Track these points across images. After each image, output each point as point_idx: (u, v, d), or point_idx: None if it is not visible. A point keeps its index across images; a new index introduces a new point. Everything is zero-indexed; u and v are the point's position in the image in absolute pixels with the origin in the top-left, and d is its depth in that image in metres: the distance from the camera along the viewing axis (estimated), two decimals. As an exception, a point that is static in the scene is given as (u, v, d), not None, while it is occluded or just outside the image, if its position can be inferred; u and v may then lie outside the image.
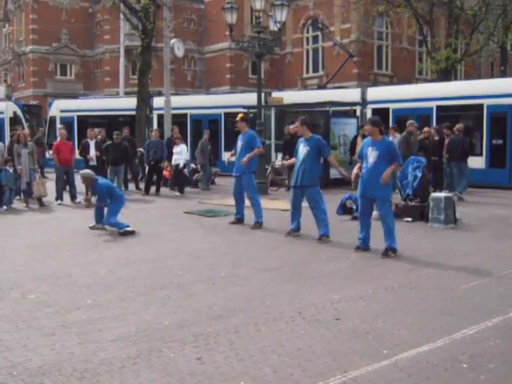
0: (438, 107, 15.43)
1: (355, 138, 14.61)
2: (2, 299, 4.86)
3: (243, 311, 4.48)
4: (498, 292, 5.08)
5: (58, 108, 22.55)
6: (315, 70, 32.94)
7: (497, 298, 4.89)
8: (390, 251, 6.50)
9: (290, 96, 18.65)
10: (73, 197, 11.76)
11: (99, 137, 13.61)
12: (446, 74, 21.75)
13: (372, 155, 6.55)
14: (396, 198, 9.28)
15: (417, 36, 29.91)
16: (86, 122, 19.45)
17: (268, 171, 14.52)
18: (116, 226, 8.02)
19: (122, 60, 25.70)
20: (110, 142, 12.98)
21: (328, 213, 7.72)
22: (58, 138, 14.04)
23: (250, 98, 16.38)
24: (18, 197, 11.56)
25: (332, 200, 9.73)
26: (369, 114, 16.33)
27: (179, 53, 20.34)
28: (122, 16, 21.93)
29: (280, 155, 15.19)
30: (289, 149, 14.56)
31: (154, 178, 13.71)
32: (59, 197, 11.65)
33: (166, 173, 14.50)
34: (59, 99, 25.11)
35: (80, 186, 12.53)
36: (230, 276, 5.64)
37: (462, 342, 3.82)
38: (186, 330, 4.04)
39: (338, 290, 5.08)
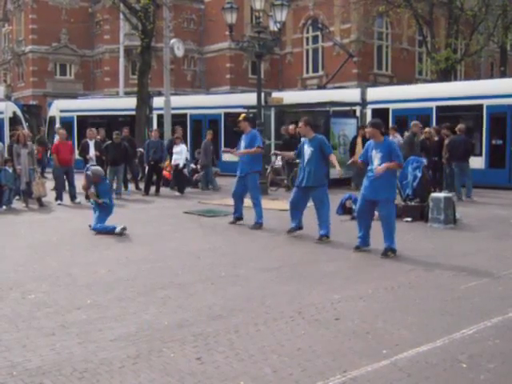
0: (438, 107, 15.43)
1: (355, 138, 14.62)
2: (2, 299, 4.86)
3: (243, 311, 4.48)
4: (498, 292, 5.09)
5: (57, 108, 22.53)
6: (315, 70, 32.95)
7: (496, 298, 4.90)
8: (389, 252, 6.50)
9: (289, 96, 18.64)
10: (72, 197, 11.75)
11: (99, 137, 13.61)
12: (445, 75, 21.76)
13: (377, 157, 6.56)
14: (396, 199, 9.28)
15: (417, 36, 29.92)
16: (86, 122, 19.44)
17: (268, 171, 14.52)
18: (104, 229, 8.01)
19: (121, 60, 25.70)
20: (109, 142, 12.98)
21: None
22: (56, 138, 14.06)
23: (250, 98, 16.38)
24: (17, 197, 11.56)
25: (332, 200, 9.64)
26: (368, 114, 16.37)
27: (179, 53, 20.33)
28: (121, 16, 21.92)
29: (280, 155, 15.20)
30: (288, 149, 14.59)
31: (154, 178, 13.71)
32: (59, 197, 11.65)
33: (165, 173, 14.50)
34: (59, 99, 25.10)
35: (80, 186, 12.56)
36: (229, 276, 5.64)
37: (462, 342, 3.82)
38: (185, 329, 4.04)
39: (338, 290, 5.09)
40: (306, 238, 7.61)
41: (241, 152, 8.65)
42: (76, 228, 8.60)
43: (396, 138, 12.64)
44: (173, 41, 19.82)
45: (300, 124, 7.76)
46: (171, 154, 14.03)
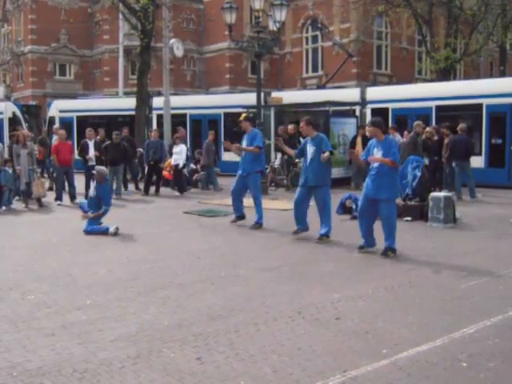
0: (438, 107, 15.43)
1: (355, 137, 14.62)
2: (2, 299, 4.86)
3: (243, 311, 4.48)
4: (498, 291, 5.09)
5: (57, 108, 22.52)
6: (315, 69, 32.94)
7: (496, 297, 4.90)
8: (389, 251, 6.50)
9: (289, 96, 18.64)
10: (72, 197, 11.75)
11: (98, 137, 13.61)
12: (445, 74, 21.75)
13: (378, 155, 6.55)
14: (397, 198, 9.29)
15: (416, 36, 29.91)
16: (86, 122, 19.40)
17: (267, 171, 14.52)
18: (97, 230, 8.00)
19: (121, 60, 25.68)
20: (108, 142, 12.99)
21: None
22: (54, 138, 14.06)
23: (250, 98, 16.37)
24: (17, 197, 11.56)
25: (332, 199, 9.71)
26: (368, 114, 16.36)
27: (178, 53, 20.33)
28: (121, 16, 21.91)
29: (279, 155, 15.21)
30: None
31: (154, 178, 13.71)
32: (59, 197, 11.65)
33: (165, 173, 14.50)
34: (58, 99, 25.08)
35: (79, 186, 12.57)
36: (229, 276, 5.64)
37: (462, 341, 3.82)
38: (185, 329, 4.04)
39: (338, 290, 5.09)
40: (306, 238, 7.61)
41: (237, 146, 8.65)
42: (76, 228, 8.58)
43: (396, 138, 12.65)
44: (172, 41, 19.82)
45: (301, 124, 7.74)
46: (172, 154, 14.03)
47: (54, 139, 13.97)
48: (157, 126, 19.08)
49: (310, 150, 7.54)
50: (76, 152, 13.29)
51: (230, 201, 9.14)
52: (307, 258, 6.56)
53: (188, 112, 19.97)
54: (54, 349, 3.68)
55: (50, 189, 13.02)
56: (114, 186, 12.52)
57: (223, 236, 7.97)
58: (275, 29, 14.12)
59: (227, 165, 16.68)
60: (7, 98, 29.00)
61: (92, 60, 38.51)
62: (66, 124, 20.72)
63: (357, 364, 3.43)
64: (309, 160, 7.52)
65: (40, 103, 29.65)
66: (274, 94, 19.31)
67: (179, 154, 13.81)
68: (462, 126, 12.37)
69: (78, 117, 21.71)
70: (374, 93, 17.13)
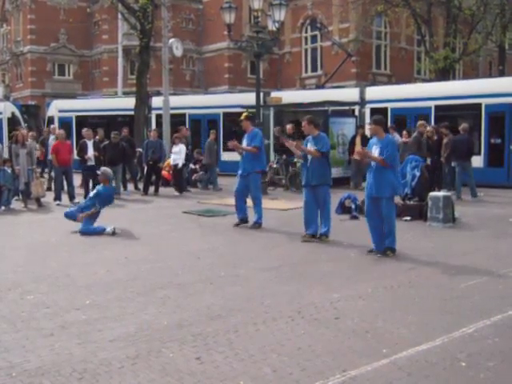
0: (437, 107, 15.44)
1: (354, 137, 14.61)
2: (1, 300, 4.86)
3: (242, 311, 4.47)
4: (497, 291, 5.09)
5: (56, 108, 22.51)
6: (314, 69, 32.94)
7: (496, 296, 4.90)
8: (388, 251, 6.50)
9: (288, 96, 18.64)
10: (71, 197, 11.74)
11: (97, 137, 13.60)
12: (444, 74, 21.76)
13: (375, 153, 6.55)
14: (395, 198, 9.28)
15: (415, 35, 29.91)
16: (85, 122, 19.39)
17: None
18: (94, 231, 7.98)
19: (120, 60, 25.67)
20: (107, 142, 12.98)
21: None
22: (51, 138, 14.04)
23: (249, 98, 16.36)
24: (16, 197, 11.55)
25: (331, 199, 9.72)
26: (367, 114, 16.36)
27: (178, 52, 20.31)
28: (120, 16, 21.88)
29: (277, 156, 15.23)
30: (286, 149, 14.59)
31: (153, 178, 13.70)
32: (58, 197, 11.64)
33: (164, 173, 14.49)
34: (57, 99, 25.06)
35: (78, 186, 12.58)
36: (229, 276, 5.63)
37: (461, 341, 3.82)
38: (185, 329, 4.04)
39: (338, 290, 5.08)
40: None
41: (235, 144, 8.62)
42: (75, 228, 8.58)
43: (395, 138, 12.65)
44: (171, 41, 19.80)
45: (303, 123, 7.72)
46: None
47: (51, 139, 13.94)
48: (156, 126, 19.07)
49: (311, 148, 7.53)
50: (75, 152, 13.28)
51: (229, 201, 9.13)
52: (307, 257, 6.55)
53: (187, 112, 19.97)
54: (53, 349, 3.67)
55: (49, 189, 13.01)
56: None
57: (223, 236, 7.96)
58: (274, 29, 14.12)
59: (227, 165, 16.67)
60: (6, 97, 28.98)
61: (91, 60, 38.47)
62: (65, 124, 20.70)
63: (356, 364, 3.42)
64: (310, 159, 7.51)
65: (39, 103, 29.61)
66: (274, 94, 19.31)
67: (178, 154, 13.80)
68: (464, 125, 12.38)
69: (77, 117, 21.71)
70: (373, 92, 17.14)
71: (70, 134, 19.96)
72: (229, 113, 18.52)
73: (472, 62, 27.89)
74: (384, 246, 6.55)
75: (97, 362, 3.47)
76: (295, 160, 12.88)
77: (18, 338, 3.89)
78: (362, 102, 16.84)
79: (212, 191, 14.32)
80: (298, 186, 12.99)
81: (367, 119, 15.32)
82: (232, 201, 9.01)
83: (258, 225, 8.45)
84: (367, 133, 12.77)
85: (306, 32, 33.51)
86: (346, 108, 16.74)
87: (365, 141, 13.25)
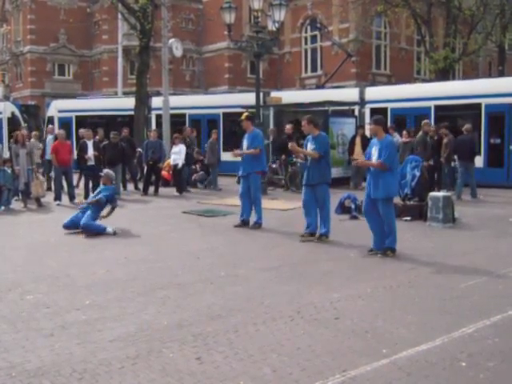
0: (436, 107, 15.44)
1: (354, 137, 14.62)
2: (1, 300, 4.86)
3: (242, 311, 4.48)
4: (497, 291, 5.09)
5: (56, 108, 22.50)
6: (314, 69, 32.95)
7: (496, 296, 4.90)
8: (388, 251, 6.50)
9: (288, 96, 18.64)
10: (71, 197, 11.74)
11: (97, 137, 13.60)
12: (444, 74, 21.76)
13: (374, 154, 6.55)
14: (395, 198, 9.29)
15: (415, 36, 29.93)
16: (85, 122, 19.40)
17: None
18: (95, 228, 7.96)
19: (120, 60, 25.67)
20: (106, 142, 12.98)
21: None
22: (49, 138, 14.02)
23: (249, 98, 16.37)
24: (16, 197, 11.55)
25: (331, 199, 9.73)
26: (367, 114, 16.37)
27: (177, 53, 20.32)
28: (120, 16, 21.90)
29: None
30: (285, 149, 14.59)
31: (153, 178, 13.70)
32: (57, 197, 11.63)
33: (164, 173, 14.49)
34: (57, 99, 25.07)
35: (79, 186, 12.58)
36: (229, 276, 5.63)
37: (461, 341, 3.82)
38: (185, 329, 4.04)
39: (338, 290, 5.08)
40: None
41: (237, 153, 8.60)
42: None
43: (395, 138, 12.66)
44: (171, 41, 19.81)
45: (303, 122, 7.72)
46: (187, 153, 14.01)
47: (49, 139, 13.93)
48: (156, 126, 19.07)
49: (311, 147, 7.53)
50: (75, 152, 13.28)
51: (229, 201, 9.12)
52: (306, 257, 6.56)
53: (187, 112, 19.97)
54: (53, 349, 3.67)
55: (49, 189, 13.01)
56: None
57: (223, 236, 7.96)
58: (274, 29, 14.12)
59: (227, 165, 16.66)
60: (6, 97, 28.99)
61: (91, 60, 38.48)
62: (64, 124, 20.70)
63: (356, 364, 3.43)
64: (309, 159, 7.51)
65: (39, 103, 29.62)
66: (273, 94, 19.31)
67: (178, 154, 13.80)
68: (467, 126, 12.40)
69: (76, 117, 21.70)
70: (373, 93, 17.14)
71: (70, 134, 19.96)
72: (229, 113, 18.52)
73: (472, 62, 27.92)
74: (383, 245, 6.55)
75: (97, 362, 3.47)
76: (294, 160, 12.88)
77: (17, 338, 3.89)
78: (362, 102, 16.85)
79: (212, 191, 14.32)
80: (297, 185, 13.01)
81: (367, 119, 15.33)
82: (232, 201, 9.01)
83: (257, 225, 8.45)
84: (367, 133, 12.78)
85: (306, 32, 33.52)
86: (346, 108, 16.75)
87: (365, 141, 13.32)
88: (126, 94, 25.26)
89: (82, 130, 15.36)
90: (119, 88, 25.66)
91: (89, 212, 8.14)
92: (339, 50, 25.19)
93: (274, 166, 15.16)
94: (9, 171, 11.01)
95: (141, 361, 3.49)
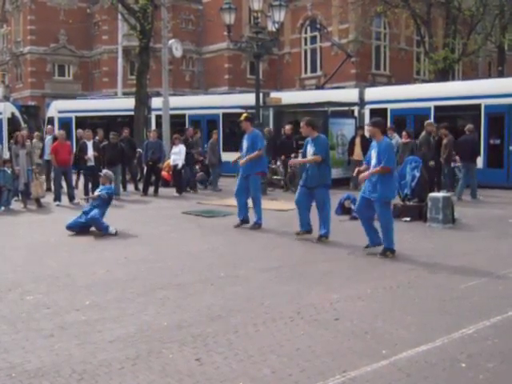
0: (436, 107, 15.44)
1: (353, 138, 14.62)
2: (1, 300, 4.86)
3: (242, 311, 4.48)
4: (497, 291, 5.09)
5: (56, 108, 22.51)
6: (313, 70, 32.96)
7: (495, 297, 4.90)
8: (387, 252, 6.50)
9: (288, 96, 18.64)
10: (71, 197, 11.73)
11: (97, 137, 13.60)
12: (443, 75, 21.77)
13: (374, 157, 6.56)
14: (393, 198, 9.29)
15: (414, 36, 29.94)
16: (85, 123, 19.42)
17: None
18: (100, 223, 8.00)
19: (120, 60, 25.67)
20: (106, 143, 12.98)
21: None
22: (48, 138, 14.01)
23: (249, 99, 16.37)
24: (16, 198, 11.55)
25: (331, 200, 9.73)
26: (367, 115, 16.37)
27: (177, 53, 20.32)
28: (120, 16, 21.89)
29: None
30: (284, 150, 14.61)
31: (153, 178, 13.70)
32: (57, 198, 11.63)
33: (164, 173, 14.49)
34: (57, 100, 25.07)
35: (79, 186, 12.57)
36: (229, 276, 5.63)
37: (461, 342, 3.82)
38: (184, 330, 4.04)
39: (337, 290, 5.09)
40: (306, 239, 7.60)
41: (242, 162, 8.53)
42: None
43: (394, 139, 12.66)
44: (171, 41, 19.81)
45: (301, 125, 7.73)
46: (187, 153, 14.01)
47: (48, 139, 13.93)
48: (156, 127, 19.06)
49: (310, 150, 7.54)
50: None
51: (229, 201, 9.11)
52: (306, 258, 6.56)
53: (187, 112, 19.97)
54: (53, 350, 3.67)
55: (49, 189, 13.01)
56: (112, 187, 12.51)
57: (223, 236, 7.96)
58: (274, 29, 14.13)
59: (227, 165, 16.66)
60: (6, 98, 28.99)
61: (91, 60, 38.48)
62: (64, 124, 20.70)
63: (356, 364, 3.43)
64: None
65: (39, 104, 29.64)
66: (273, 95, 19.30)
67: (178, 155, 13.80)
68: (469, 126, 12.39)
69: (76, 117, 21.71)
70: (373, 93, 17.14)
71: (70, 134, 19.96)
72: (228, 113, 18.52)
73: (471, 62, 27.93)
74: (378, 239, 6.68)
75: (96, 362, 3.47)
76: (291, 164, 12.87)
77: (17, 338, 3.89)
78: (362, 103, 16.84)
79: (211, 191, 14.32)
80: (297, 186, 12.98)
81: (367, 120, 15.33)
82: (232, 201, 9.01)
83: (257, 225, 8.45)
84: (366, 134, 12.77)
85: (306, 33, 33.52)
86: (346, 109, 16.75)
87: (364, 142, 13.33)
88: (125, 94, 25.25)
89: (79, 131, 15.38)
90: (119, 88, 25.66)
91: (97, 210, 8.21)
92: (339, 50, 25.20)
93: (272, 166, 15.15)
94: (9, 172, 11.01)
95: (140, 361, 3.49)
